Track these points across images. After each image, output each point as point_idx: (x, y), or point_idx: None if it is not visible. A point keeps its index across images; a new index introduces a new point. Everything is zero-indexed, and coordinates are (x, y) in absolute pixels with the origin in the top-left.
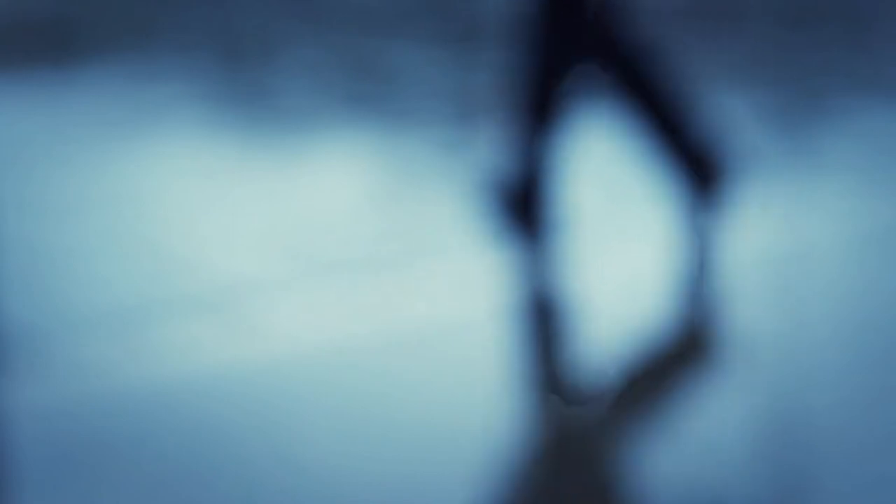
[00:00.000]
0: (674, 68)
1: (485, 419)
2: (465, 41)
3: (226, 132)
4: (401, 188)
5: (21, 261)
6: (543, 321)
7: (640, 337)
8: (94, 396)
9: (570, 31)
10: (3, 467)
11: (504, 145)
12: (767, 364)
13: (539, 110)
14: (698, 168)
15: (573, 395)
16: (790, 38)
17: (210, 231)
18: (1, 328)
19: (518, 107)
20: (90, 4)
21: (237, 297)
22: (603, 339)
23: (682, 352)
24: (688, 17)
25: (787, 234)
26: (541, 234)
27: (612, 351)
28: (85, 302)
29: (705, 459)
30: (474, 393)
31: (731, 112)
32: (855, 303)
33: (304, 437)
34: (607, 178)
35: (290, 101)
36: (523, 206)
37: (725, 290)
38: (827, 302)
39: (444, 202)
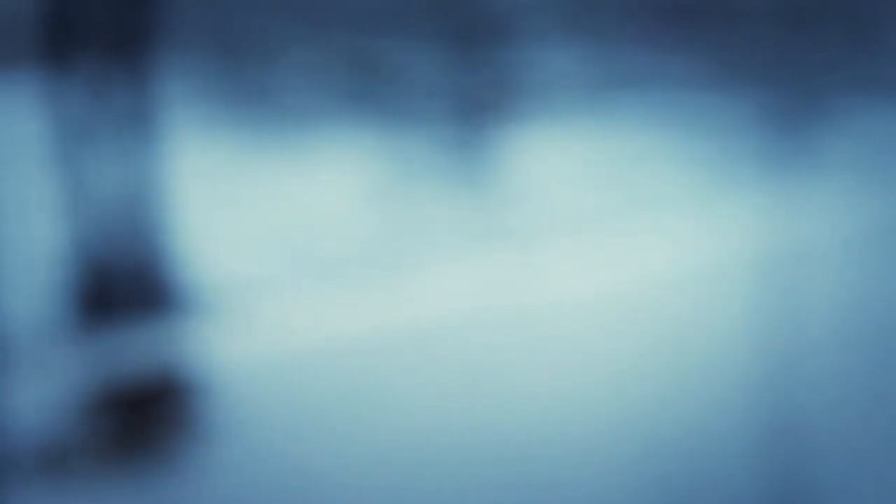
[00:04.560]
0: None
1: (483, 419)
2: (465, 40)
3: (226, 131)
4: (401, 186)
5: (19, 260)
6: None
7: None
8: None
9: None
10: (3, 466)
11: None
12: (767, 364)
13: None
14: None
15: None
16: (790, 38)
17: (210, 230)
18: (1, 328)
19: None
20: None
21: (237, 296)
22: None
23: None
24: (689, 17)
25: (788, 234)
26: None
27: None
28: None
29: (700, 459)
30: (472, 393)
31: (731, 112)
32: (854, 302)
33: (300, 437)
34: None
35: (291, 101)
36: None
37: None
38: (826, 301)
39: (444, 200)
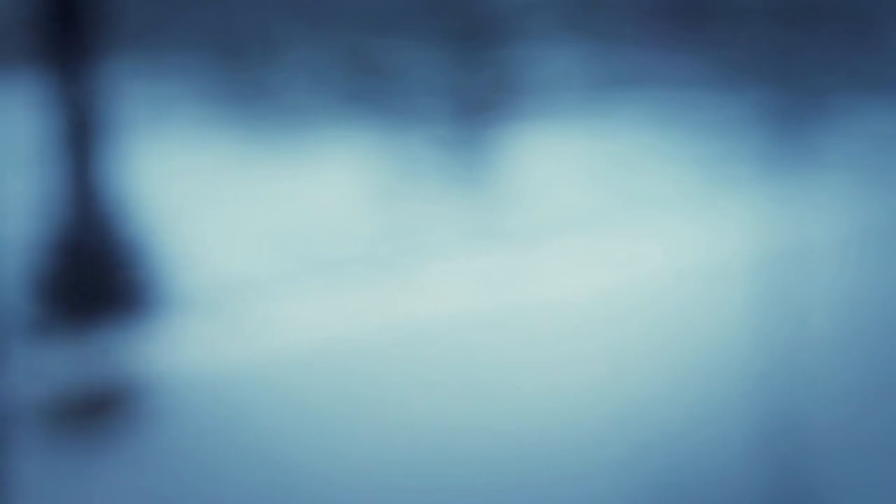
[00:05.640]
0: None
1: (482, 418)
2: (465, 40)
3: (227, 130)
4: (401, 186)
5: (16, 259)
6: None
7: None
8: (91, 391)
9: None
10: (3, 465)
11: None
12: (766, 362)
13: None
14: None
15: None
16: (790, 38)
17: (210, 229)
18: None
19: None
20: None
21: (236, 295)
22: None
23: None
24: (689, 17)
25: (787, 234)
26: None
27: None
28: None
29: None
30: (471, 391)
31: (731, 111)
32: (854, 301)
33: (300, 436)
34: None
35: (291, 100)
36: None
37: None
38: (826, 301)
39: (443, 200)
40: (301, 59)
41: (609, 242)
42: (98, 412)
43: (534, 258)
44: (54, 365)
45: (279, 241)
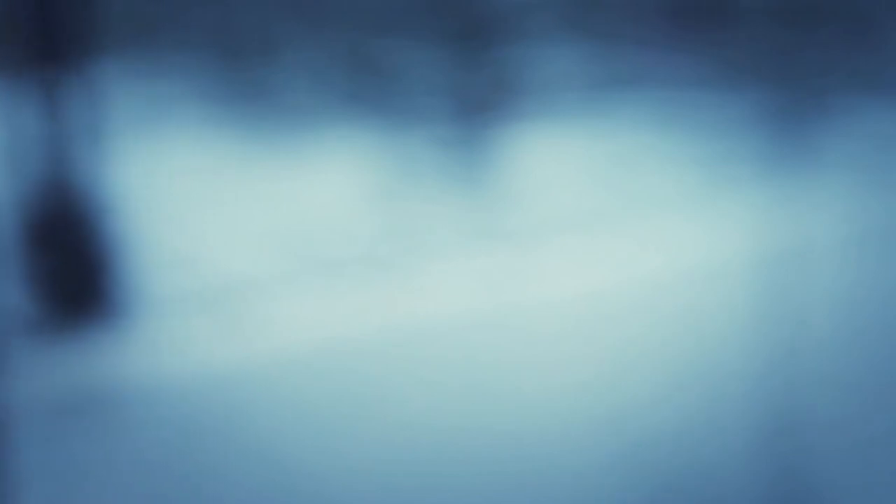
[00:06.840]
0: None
1: (482, 418)
2: (465, 40)
3: (227, 130)
4: (401, 186)
5: (15, 260)
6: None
7: None
8: (89, 391)
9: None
10: (3, 466)
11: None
12: (765, 362)
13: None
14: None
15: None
16: (790, 38)
17: (210, 229)
18: (1, 328)
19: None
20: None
21: (236, 295)
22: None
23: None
24: (689, 17)
25: (787, 234)
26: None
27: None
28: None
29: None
30: (474, 392)
31: (731, 111)
32: (854, 301)
33: (300, 437)
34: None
35: (291, 100)
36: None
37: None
38: (826, 301)
39: (443, 200)
40: (301, 59)
41: (609, 242)
42: (95, 412)
43: (534, 258)
44: (51, 365)
45: (279, 241)
